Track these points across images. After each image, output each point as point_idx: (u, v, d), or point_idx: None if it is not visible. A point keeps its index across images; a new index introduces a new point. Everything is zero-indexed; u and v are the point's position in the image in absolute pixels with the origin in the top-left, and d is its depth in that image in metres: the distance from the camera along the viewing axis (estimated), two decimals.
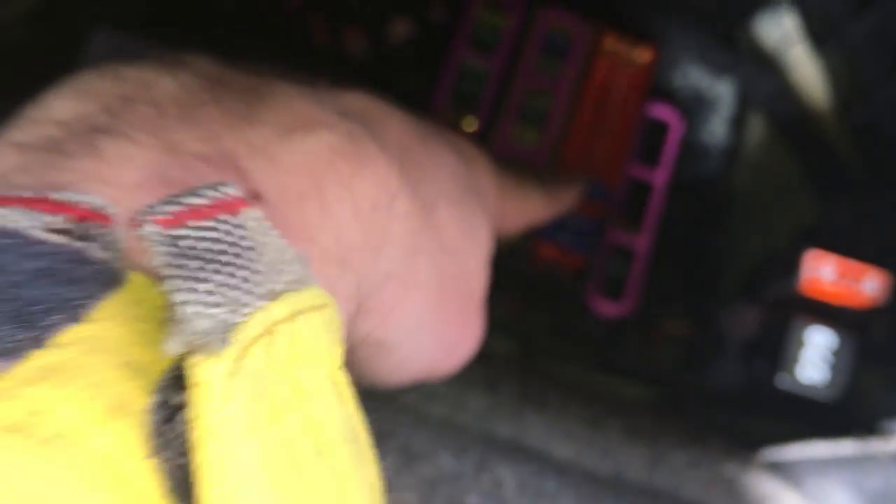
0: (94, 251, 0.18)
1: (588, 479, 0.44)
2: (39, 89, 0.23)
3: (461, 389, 0.48)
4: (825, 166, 0.61)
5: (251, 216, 0.18)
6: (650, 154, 0.53)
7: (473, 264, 0.32)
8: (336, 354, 0.20)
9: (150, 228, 0.17)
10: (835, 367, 0.49)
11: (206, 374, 0.16)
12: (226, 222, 0.18)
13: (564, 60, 0.51)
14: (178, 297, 0.16)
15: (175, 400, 0.17)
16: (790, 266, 0.51)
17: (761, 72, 0.61)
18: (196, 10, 0.52)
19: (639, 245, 0.51)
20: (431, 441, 0.39)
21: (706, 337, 0.53)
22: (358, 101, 0.28)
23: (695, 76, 0.63)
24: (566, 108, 0.50)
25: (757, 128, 0.62)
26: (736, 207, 0.61)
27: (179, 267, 0.17)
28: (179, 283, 0.17)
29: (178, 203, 0.17)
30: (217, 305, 0.17)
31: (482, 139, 0.49)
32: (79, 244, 0.18)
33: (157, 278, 0.17)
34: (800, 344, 0.49)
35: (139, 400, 0.17)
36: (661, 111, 0.53)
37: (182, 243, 0.17)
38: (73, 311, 0.17)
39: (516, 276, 0.49)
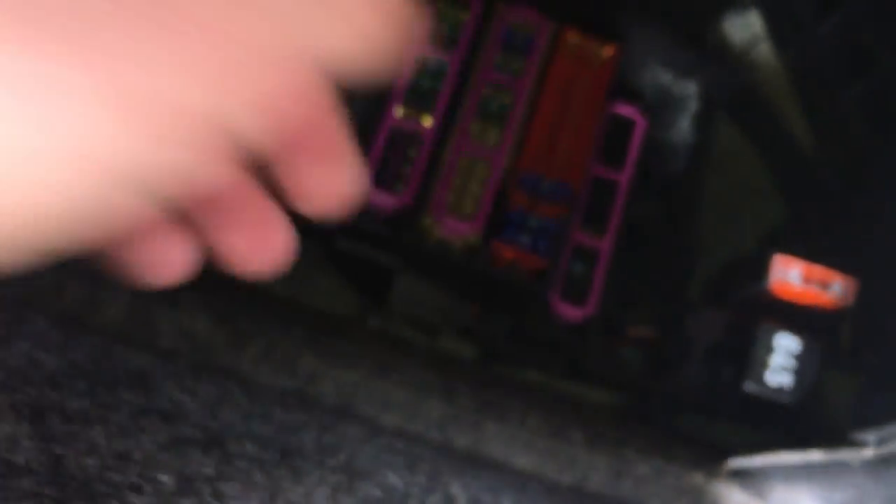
0: None
1: (549, 491, 0.42)
2: None
3: (417, 397, 0.46)
4: (792, 167, 0.60)
5: None
6: (614, 153, 0.52)
7: None
8: None
9: None
10: (800, 372, 0.48)
11: None
12: None
13: (525, 57, 0.50)
14: None
15: None
16: (758, 270, 0.50)
17: (727, 72, 0.60)
18: None
19: (603, 247, 0.50)
20: (379, 455, 0.37)
21: (672, 341, 0.52)
22: None
23: (661, 76, 0.62)
24: (527, 106, 0.49)
25: (723, 128, 0.61)
26: (703, 209, 0.60)
27: None
28: None
29: None
30: None
31: (440, 136, 0.48)
32: None
33: None
34: (766, 349, 0.48)
35: None
36: (625, 109, 0.52)
37: None
38: None
39: (475, 279, 0.47)
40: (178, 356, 0.40)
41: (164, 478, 0.27)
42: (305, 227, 0.22)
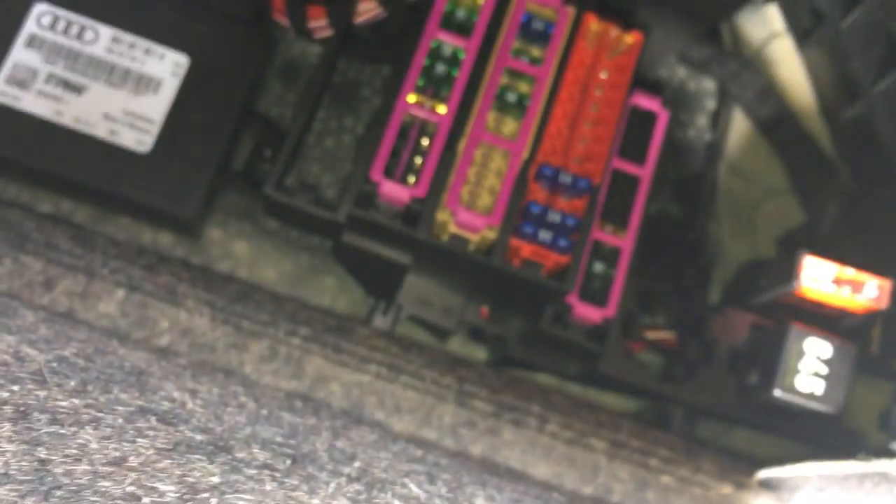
0: None
1: (572, 502, 0.39)
2: None
3: (428, 401, 0.43)
4: (811, 166, 0.58)
5: None
6: (636, 147, 0.49)
7: None
8: None
9: None
10: (833, 378, 0.46)
11: None
12: None
13: (545, 43, 0.47)
14: None
15: None
16: (785, 271, 0.47)
17: (745, 68, 0.58)
18: None
19: (624, 245, 0.47)
20: (396, 463, 0.35)
21: (693, 345, 0.49)
22: None
23: (678, 71, 0.60)
24: (546, 95, 0.46)
25: (740, 126, 0.59)
26: (720, 209, 0.58)
27: None
28: None
29: None
30: None
31: (455, 125, 0.45)
32: None
33: None
34: (797, 354, 0.46)
35: None
36: (646, 101, 0.50)
37: None
38: None
39: (490, 277, 0.45)
40: (177, 355, 0.38)
41: (165, 487, 0.24)
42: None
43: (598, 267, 0.47)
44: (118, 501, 0.23)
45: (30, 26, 0.47)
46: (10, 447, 0.23)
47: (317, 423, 0.35)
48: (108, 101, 0.46)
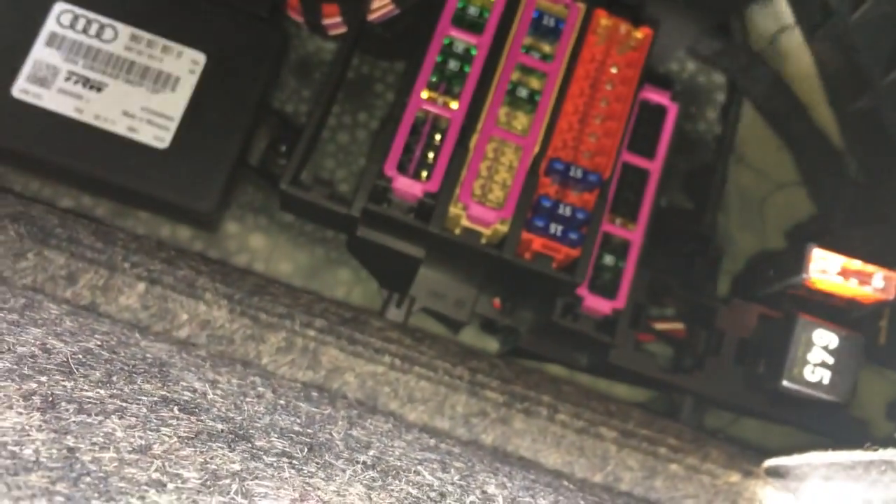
0: None
1: (582, 490, 0.40)
2: None
3: (441, 391, 0.44)
4: (820, 159, 0.58)
5: None
6: (645, 141, 0.50)
7: None
8: None
9: None
10: (840, 369, 0.46)
11: None
12: None
13: (556, 39, 0.48)
14: None
15: None
16: (793, 263, 0.48)
17: (755, 62, 0.59)
18: None
19: (634, 238, 0.48)
20: (410, 452, 0.35)
21: (702, 336, 0.50)
22: None
23: (688, 65, 0.60)
24: (557, 91, 0.47)
25: (750, 119, 0.59)
26: (729, 202, 0.58)
27: None
28: None
29: None
30: None
31: (467, 121, 0.46)
32: None
33: None
34: (805, 345, 0.46)
35: None
36: (656, 95, 0.50)
37: None
38: None
39: (502, 270, 0.46)
40: (197, 347, 0.39)
41: (188, 474, 0.25)
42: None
43: (608, 259, 0.48)
44: (144, 487, 0.23)
45: (50, 25, 0.48)
46: (41, 436, 0.24)
47: (333, 413, 0.36)
48: (128, 99, 0.47)
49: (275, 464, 0.28)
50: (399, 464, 0.32)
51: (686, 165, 0.58)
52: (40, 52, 0.47)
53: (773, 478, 0.46)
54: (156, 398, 0.29)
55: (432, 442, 0.38)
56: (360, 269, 0.53)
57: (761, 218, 0.58)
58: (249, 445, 0.28)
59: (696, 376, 0.49)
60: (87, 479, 0.23)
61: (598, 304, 0.47)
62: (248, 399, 0.33)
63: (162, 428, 0.27)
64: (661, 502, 0.43)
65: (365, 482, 0.29)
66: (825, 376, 0.46)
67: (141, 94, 0.48)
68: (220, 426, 0.29)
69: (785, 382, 0.46)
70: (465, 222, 0.45)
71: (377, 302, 0.52)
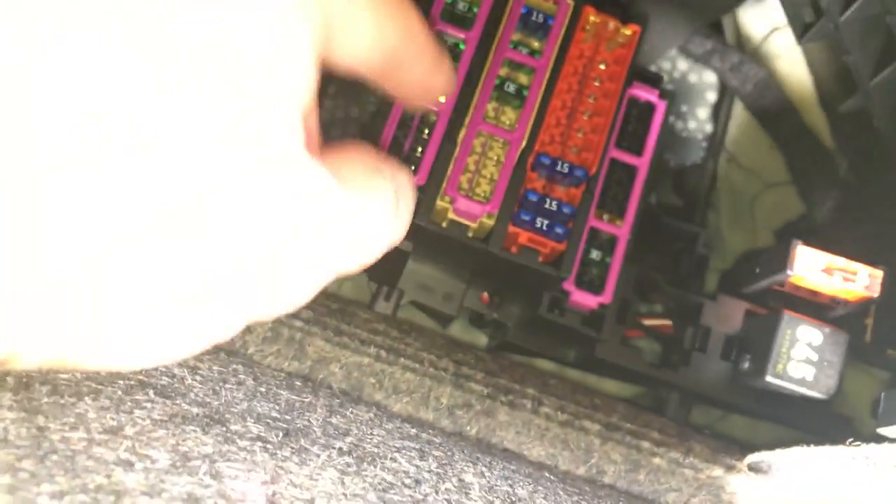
0: None
1: (563, 482, 0.40)
2: None
3: (427, 383, 0.44)
4: (810, 158, 0.59)
5: None
6: (633, 138, 0.50)
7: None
8: None
9: None
10: (824, 365, 0.47)
11: None
12: None
13: (544, 35, 0.48)
14: None
15: None
16: (778, 260, 0.48)
17: (746, 61, 0.59)
18: None
19: (620, 233, 0.48)
20: (389, 440, 0.36)
21: (688, 332, 0.50)
22: None
23: (679, 64, 0.60)
24: (545, 86, 0.47)
25: (741, 118, 0.60)
26: (719, 199, 0.58)
27: None
28: None
29: None
30: None
31: (455, 115, 0.46)
32: None
33: None
34: (789, 341, 0.47)
35: None
36: (644, 92, 0.50)
37: None
38: None
39: (489, 263, 0.46)
40: None
41: (158, 455, 0.25)
42: None
43: (595, 255, 0.48)
44: (111, 466, 0.24)
45: None
46: (10, 415, 0.25)
47: (313, 401, 0.36)
48: None
49: (248, 447, 0.28)
50: (376, 451, 0.32)
51: (677, 164, 0.59)
52: None
53: (756, 472, 0.46)
54: (132, 382, 0.29)
55: (413, 431, 0.38)
56: None
57: (751, 216, 0.59)
58: (224, 429, 0.28)
59: (681, 372, 0.50)
60: (55, 456, 0.23)
61: (584, 299, 0.47)
62: (227, 385, 0.34)
63: (136, 410, 0.27)
64: (643, 495, 0.43)
65: (339, 467, 0.29)
66: (809, 373, 0.46)
67: None
68: (195, 410, 0.29)
69: (769, 378, 0.46)
70: (451, 216, 0.45)
71: (367, 295, 0.52)
